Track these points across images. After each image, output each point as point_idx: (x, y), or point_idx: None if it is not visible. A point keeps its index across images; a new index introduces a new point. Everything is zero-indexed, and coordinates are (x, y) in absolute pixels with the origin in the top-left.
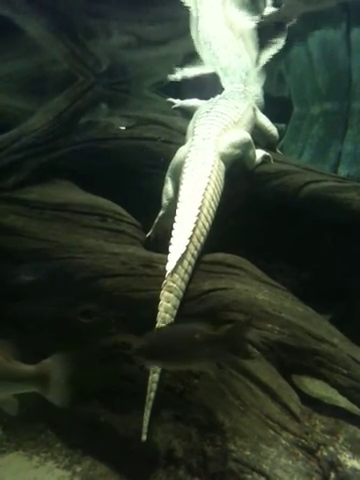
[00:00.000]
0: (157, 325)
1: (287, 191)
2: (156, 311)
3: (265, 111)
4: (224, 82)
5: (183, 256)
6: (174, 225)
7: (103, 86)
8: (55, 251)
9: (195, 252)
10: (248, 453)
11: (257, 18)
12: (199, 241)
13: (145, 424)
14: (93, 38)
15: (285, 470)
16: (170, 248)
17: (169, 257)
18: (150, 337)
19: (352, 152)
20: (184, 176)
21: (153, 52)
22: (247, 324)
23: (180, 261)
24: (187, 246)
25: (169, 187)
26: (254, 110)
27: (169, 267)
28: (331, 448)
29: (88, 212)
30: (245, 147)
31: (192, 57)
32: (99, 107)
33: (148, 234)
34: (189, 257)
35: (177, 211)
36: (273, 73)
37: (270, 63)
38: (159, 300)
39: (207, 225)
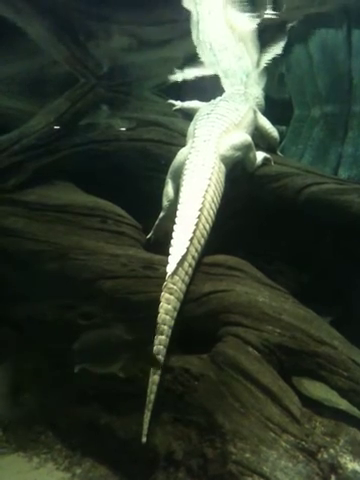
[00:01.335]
0: (157, 327)
1: (287, 193)
2: (156, 313)
3: (266, 113)
4: (225, 84)
5: (183, 258)
6: (175, 227)
7: (104, 88)
8: (56, 253)
9: (195, 254)
10: (248, 455)
11: (258, 20)
12: (199, 243)
13: (145, 426)
14: (94, 40)
15: (285, 472)
16: (170, 250)
17: (169, 259)
18: (82, 341)
19: (352, 154)
20: (185, 178)
21: (154, 54)
22: None
23: (180, 263)
24: (187, 248)
25: (170, 189)
26: (255, 112)
27: (169, 269)
28: (331, 450)
29: (89, 214)
30: (246, 149)
31: (193, 59)
32: (100, 109)
33: (149, 236)
34: (189, 259)
35: (178, 213)
36: (274, 75)
37: (271, 65)
38: (159, 302)
39: (207, 227)
